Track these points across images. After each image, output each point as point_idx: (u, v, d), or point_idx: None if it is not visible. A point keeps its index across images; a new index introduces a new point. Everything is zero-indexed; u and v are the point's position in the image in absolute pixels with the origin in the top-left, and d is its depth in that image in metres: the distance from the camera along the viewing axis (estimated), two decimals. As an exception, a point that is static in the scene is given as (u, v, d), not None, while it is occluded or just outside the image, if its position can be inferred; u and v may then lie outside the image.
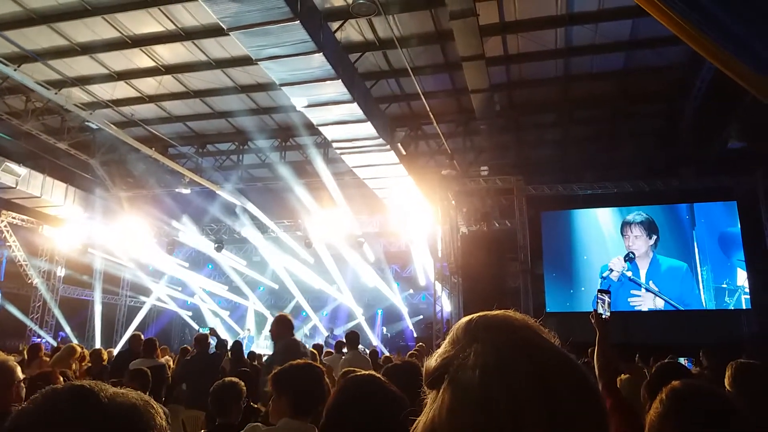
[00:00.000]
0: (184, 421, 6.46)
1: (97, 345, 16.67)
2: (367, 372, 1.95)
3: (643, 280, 14.59)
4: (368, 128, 11.33)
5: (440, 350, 0.82)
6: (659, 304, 14.32)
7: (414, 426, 0.78)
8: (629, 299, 14.49)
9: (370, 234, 18.62)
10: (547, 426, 0.68)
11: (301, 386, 2.68)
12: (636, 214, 14.96)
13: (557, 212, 15.89)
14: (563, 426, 0.68)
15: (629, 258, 14.72)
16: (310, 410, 2.58)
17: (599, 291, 2.99)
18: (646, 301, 14.44)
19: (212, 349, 8.06)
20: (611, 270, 14.73)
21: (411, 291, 22.53)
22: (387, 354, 14.42)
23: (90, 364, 8.23)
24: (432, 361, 0.81)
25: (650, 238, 14.74)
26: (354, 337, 8.33)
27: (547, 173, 15.33)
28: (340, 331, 19.93)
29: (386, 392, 1.85)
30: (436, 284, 15.29)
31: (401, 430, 1.75)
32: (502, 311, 0.83)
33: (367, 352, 13.61)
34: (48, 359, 8.04)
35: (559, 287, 15.30)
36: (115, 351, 15.61)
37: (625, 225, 14.99)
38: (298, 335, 22.28)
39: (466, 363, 0.75)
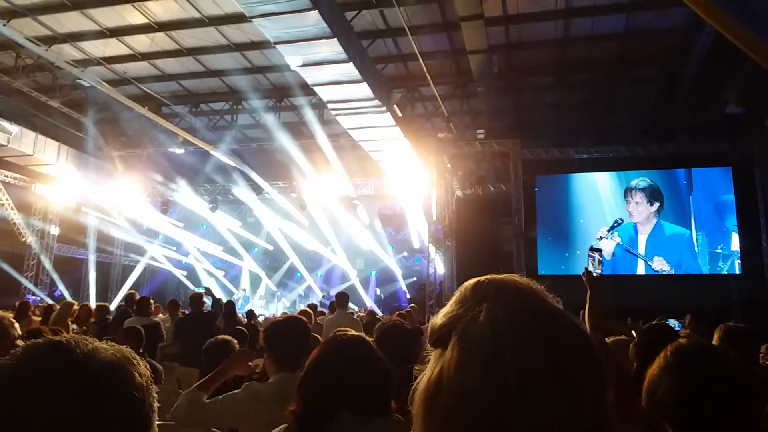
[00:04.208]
0: (179, 379, 6.54)
1: (93, 303, 16.77)
2: (355, 333, 1.98)
3: (642, 245, 14.68)
4: (364, 89, 11.19)
5: (446, 309, 0.83)
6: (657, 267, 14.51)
7: (416, 383, 0.80)
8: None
9: (364, 196, 18.60)
10: (555, 381, 0.70)
11: (284, 342, 2.77)
12: (640, 180, 14.96)
13: (553, 176, 15.90)
14: (569, 382, 0.71)
15: (616, 224, 14.80)
16: (296, 364, 2.59)
17: (590, 249, 3.03)
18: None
19: (208, 308, 8.12)
20: (600, 238, 14.83)
21: (405, 253, 22.63)
22: (380, 315, 14.58)
23: (94, 320, 8.31)
24: (438, 319, 0.83)
25: (651, 204, 14.77)
26: (343, 297, 8.56)
27: (543, 137, 15.25)
28: (335, 293, 20.07)
29: (368, 354, 1.88)
30: (430, 247, 15.38)
31: (380, 392, 1.79)
32: (509, 275, 0.86)
33: (360, 312, 13.76)
34: (37, 318, 8.08)
35: (553, 250, 15.41)
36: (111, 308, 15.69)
37: (628, 190, 15.05)
38: (293, 295, 22.69)
39: (477, 320, 0.76)
